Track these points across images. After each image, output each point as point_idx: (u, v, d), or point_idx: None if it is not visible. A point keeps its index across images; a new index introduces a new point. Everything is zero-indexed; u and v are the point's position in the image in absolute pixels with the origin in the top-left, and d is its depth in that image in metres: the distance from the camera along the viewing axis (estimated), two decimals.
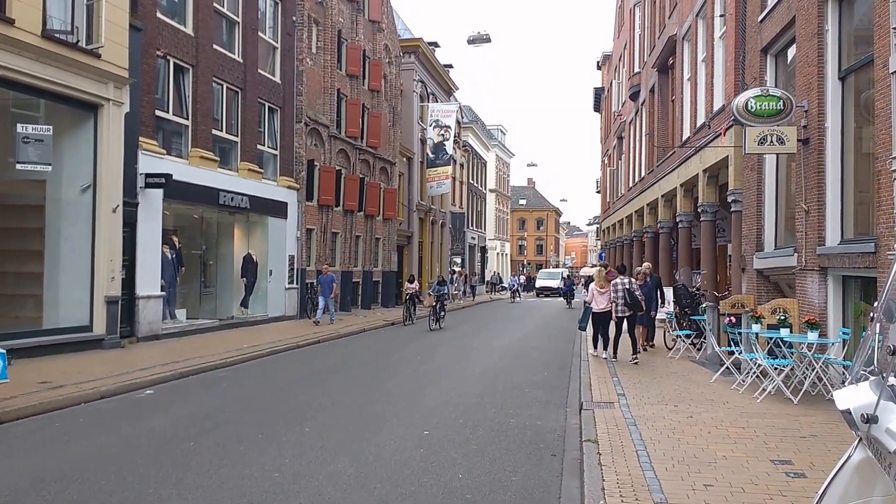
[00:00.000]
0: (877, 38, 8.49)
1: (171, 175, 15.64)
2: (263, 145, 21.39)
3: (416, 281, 23.42)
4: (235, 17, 19.66)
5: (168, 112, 16.95)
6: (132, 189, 15.07)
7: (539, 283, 56.70)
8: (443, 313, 21.82)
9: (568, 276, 47.90)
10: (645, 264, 17.23)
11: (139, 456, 6.81)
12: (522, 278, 58.00)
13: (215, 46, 18.48)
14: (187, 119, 17.57)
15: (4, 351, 8.31)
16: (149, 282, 15.67)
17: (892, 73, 7.90)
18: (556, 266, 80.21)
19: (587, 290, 16.12)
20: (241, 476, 6.18)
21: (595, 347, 14.31)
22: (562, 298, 41.00)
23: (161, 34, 16.39)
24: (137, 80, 14.99)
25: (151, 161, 15.69)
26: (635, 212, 28.59)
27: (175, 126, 17.38)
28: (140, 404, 9.57)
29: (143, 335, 15.37)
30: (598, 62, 48.38)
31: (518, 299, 44.17)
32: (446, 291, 22.01)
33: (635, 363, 12.94)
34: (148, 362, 12.30)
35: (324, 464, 6.55)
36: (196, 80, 17.63)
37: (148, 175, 15.44)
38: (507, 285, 49.64)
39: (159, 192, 15.86)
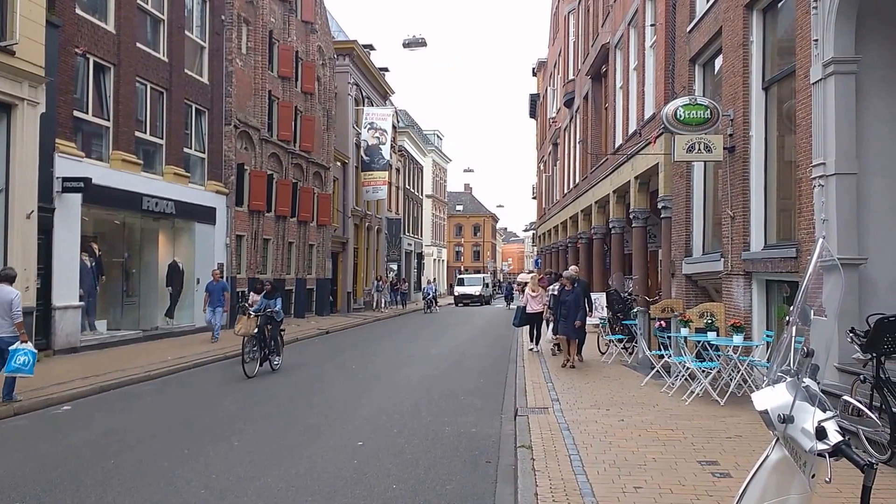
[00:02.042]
0: (799, 49, 8.77)
1: (90, 179, 14.97)
2: (190, 148, 20.78)
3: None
4: (160, 15, 19.05)
5: (87, 113, 16.26)
6: (48, 194, 14.38)
7: (458, 291, 50.02)
8: (273, 344, 13.74)
9: (509, 283, 51.56)
10: (572, 267, 15.98)
11: (56, 475, 6.49)
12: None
13: (139, 45, 17.85)
14: (108, 120, 16.89)
15: (35, 350, 9.66)
16: (66, 291, 14.97)
17: (813, 84, 8.17)
18: (495, 273, 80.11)
19: (523, 294, 17.56)
20: (166, 493, 5.95)
21: (531, 342, 16.23)
22: (483, 305, 47.05)
23: (80, 31, 15.73)
24: (54, 78, 14.35)
25: (69, 164, 15.01)
26: (570, 218, 28.99)
27: (95, 127, 16.69)
28: (57, 421, 9.14)
29: (60, 348, 14.67)
30: (533, 68, 48.97)
31: (434, 309, 38.95)
32: (278, 308, 13.80)
33: (530, 350, 15.60)
34: (65, 376, 11.75)
35: (253, 478, 6.36)
36: (118, 80, 16.98)
37: (65, 179, 14.76)
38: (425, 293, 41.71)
39: (77, 196, 15.19)
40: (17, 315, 9.38)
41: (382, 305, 38.25)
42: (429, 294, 39.76)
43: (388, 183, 38.71)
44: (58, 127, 14.75)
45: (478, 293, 50.01)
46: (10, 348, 9.28)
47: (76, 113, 15.68)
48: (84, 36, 15.86)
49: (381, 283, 38.85)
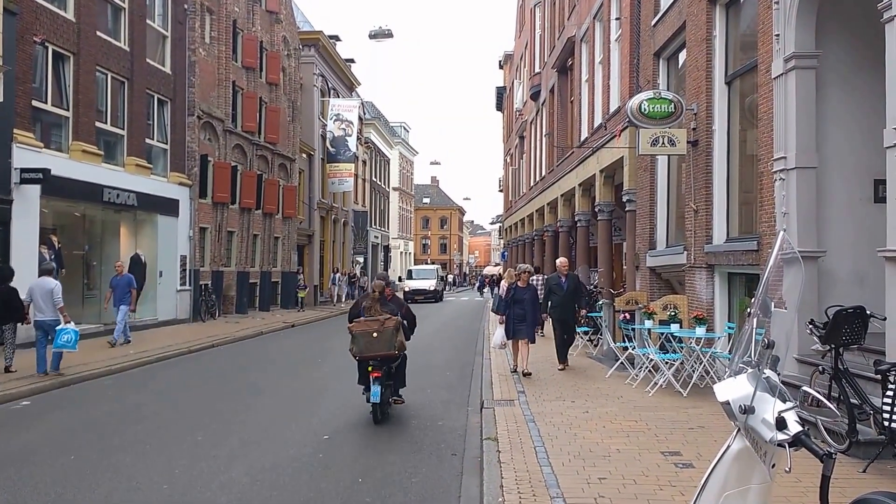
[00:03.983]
0: (761, 44, 8.90)
1: (49, 170, 14.63)
2: (152, 139, 20.41)
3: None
4: (121, 3, 18.64)
5: (46, 102, 15.86)
6: (5, 185, 14.04)
7: (408, 285, 41.53)
8: None
9: (482, 276, 55.17)
10: (560, 260, 13.35)
11: (14, 471, 6.35)
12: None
13: (99, 33, 17.46)
14: (68, 110, 16.50)
15: (78, 329, 11.40)
16: (24, 285, 14.57)
17: (775, 78, 8.30)
18: (460, 266, 79.59)
19: (498, 286, 17.97)
20: (128, 489, 5.86)
21: None
22: (437, 302, 40.33)
23: (39, 19, 15.33)
24: (12, 68, 13.99)
25: (27, 155, 14.65)
26: (536, 211, 29.11)
27: (54, 117, 16.30)
28: (16, 416, 8.95)
29: (19, 342, 14.29)
30: (500, 61, 49.02)
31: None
32: None
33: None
34: (24, 371, 11.49)
35: (217, 473, 6.29)
36: (78, 69, 16.59)
37: (23, 170, 14.40)
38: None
39: (36, 188, 14.84)
40: (59, 301, 11.15)
41: (341, 299, 35.84)
42: None
43: (354, 175, 38.42)
44: (16, 117, 14.39)
45: (431, 288, 41.11)
46: (56, 328, 10.97)
47: (35, 102, 15.30)
48: (43, 24, 15.47)
49: (339, 275, 36.65)
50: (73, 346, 11.07)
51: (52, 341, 11.08)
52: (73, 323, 11.31)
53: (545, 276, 15.34)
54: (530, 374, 11.16)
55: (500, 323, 11.96)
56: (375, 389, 8.14)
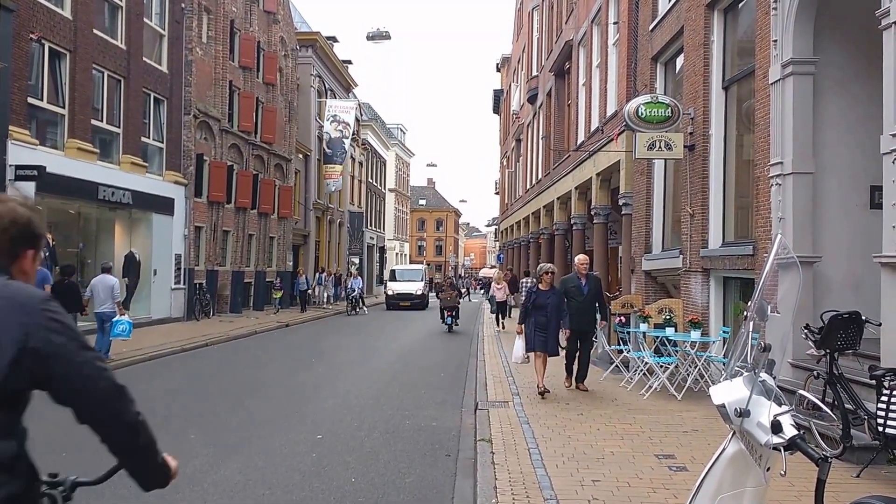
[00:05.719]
0: (758, 49, 8.92)
1: (44, 167, 14.59)
2: (148, 138, 20.37)
3: None
4: (118, 1, 18.60)
5: (42, 100, 15.82)
6: (0, 182, 13.97)
7: (393, 289, 35.22)
8: None
9: (483, 277, 57.04)
10: (579, 257, 11.21)
11: None
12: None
13: (96, 31, 17.42)
14: (64, 108, 16.45)
15: (132, 321, 13.00)
16: None
17: (772, 84, 8.32)
18: (455, 268, 79.07)
19: (490, 287, 23.05)
20: (120, 486, 5.71)
21: (498, 324, 21.54)
22: (423, 310, 33.34)
23: (35, 16, 15.29)
24: (8, 65, 13.94)
25: (22, 152, 14.59)
26: (532, 213, 29.11)
27: (50, 115, 16.25)
28: None
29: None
30: (497, 64, 49.06)
31: (361, 310, 30.39)
32: None
33: (497, 331, 20.02)
34: None
35: (210, 471, 6.26)
36: (74, 67, 16.54)
37: (18, 167, 14.35)
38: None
39: (31, 185, 14.70)
40: (117, 295, 12.51)
41: (325, 301, 33.27)
42: (353, 290, 30.42)
43: (350, 175, 38.30)
44: (11, 114, 14.33)
45: (418, 292, 34.53)
46: (112, 319, 12.23)
47: (30, 100, 15.25)
48: (39, 21, 15.42)
49: (325, 275, 33.88)
50: (127, 334, 12.35)
51: (109, 331, 12.31)
52: (126, 315, 12.71)
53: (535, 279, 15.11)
54: (548, 392, 9.52)
55: (519, 333, 10.06)
56: (448, 319, 20.96)
